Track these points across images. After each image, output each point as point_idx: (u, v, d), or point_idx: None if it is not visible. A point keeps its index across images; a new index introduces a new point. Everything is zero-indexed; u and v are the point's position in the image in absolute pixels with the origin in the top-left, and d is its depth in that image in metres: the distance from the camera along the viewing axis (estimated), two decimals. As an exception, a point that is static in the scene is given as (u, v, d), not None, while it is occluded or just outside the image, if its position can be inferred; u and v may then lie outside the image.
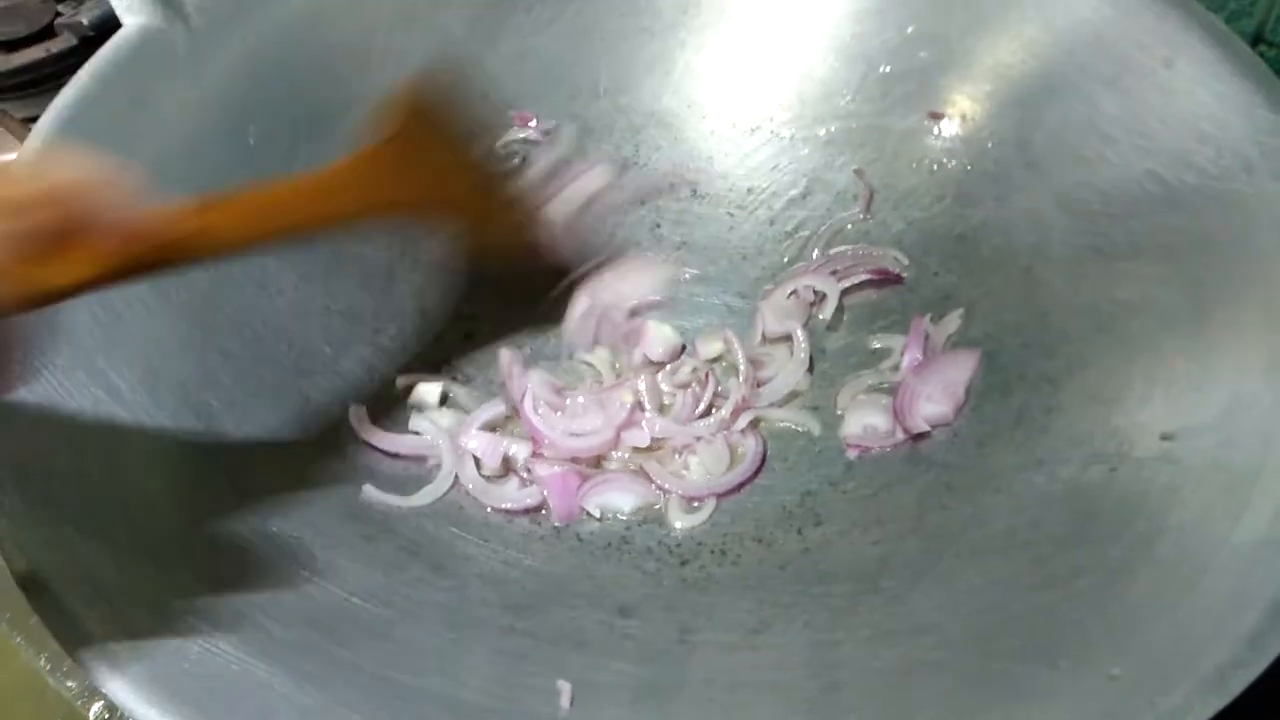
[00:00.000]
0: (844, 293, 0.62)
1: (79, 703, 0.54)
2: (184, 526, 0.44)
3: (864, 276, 0.63)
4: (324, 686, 0.39)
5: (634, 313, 0.63)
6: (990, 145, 0.61)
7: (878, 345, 0.61)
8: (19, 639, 0.56)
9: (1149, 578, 0.42)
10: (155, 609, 0.39)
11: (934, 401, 0.56)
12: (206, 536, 0.44)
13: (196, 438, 0.48)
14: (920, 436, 0.56)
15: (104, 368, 0.47)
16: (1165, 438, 0.47)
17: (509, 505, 0.54)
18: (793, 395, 0.60)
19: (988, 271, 0.59)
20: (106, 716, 0.54)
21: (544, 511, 0.54)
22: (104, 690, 0.36)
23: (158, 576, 0.41)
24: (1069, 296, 0.55)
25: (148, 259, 0.35)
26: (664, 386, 0.60)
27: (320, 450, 0.53)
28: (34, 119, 0.50)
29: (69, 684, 0.55)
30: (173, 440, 0.47)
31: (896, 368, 0.59)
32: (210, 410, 0.49)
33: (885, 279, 0.63)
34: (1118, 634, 0.40)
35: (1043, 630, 0.42)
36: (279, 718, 0.37)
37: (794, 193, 0.67)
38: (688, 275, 0.65)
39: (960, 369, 0.57)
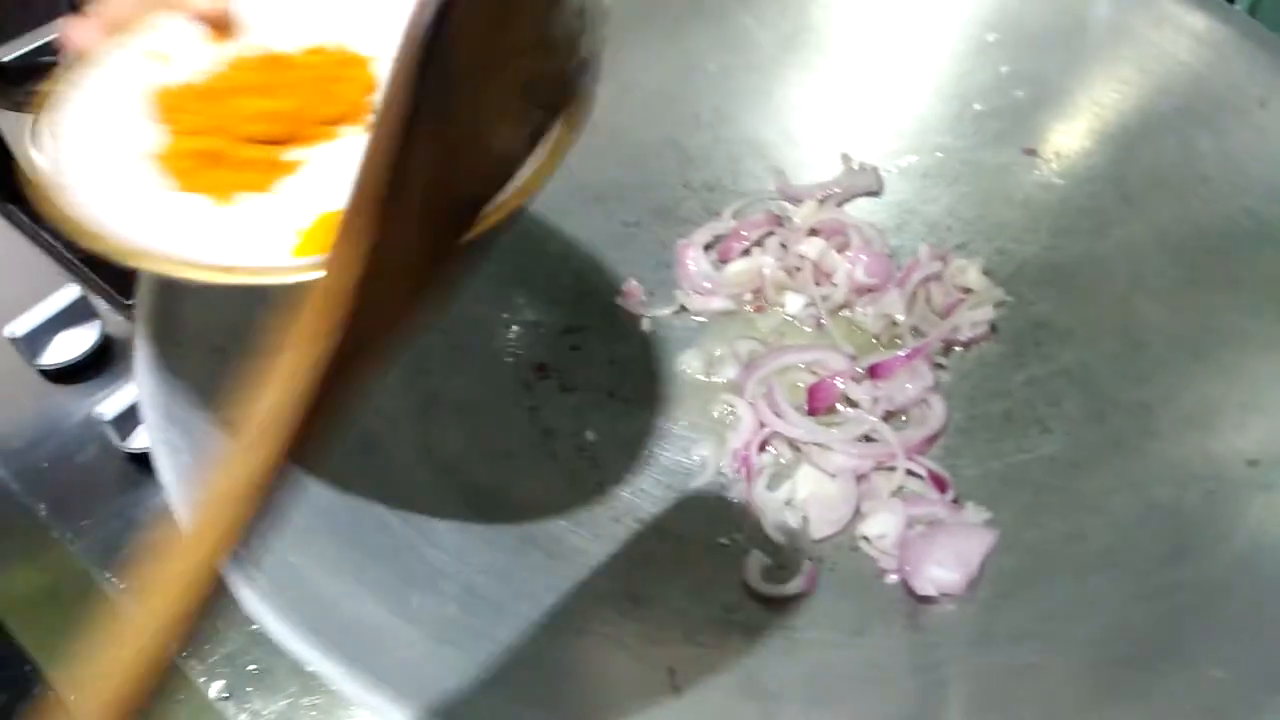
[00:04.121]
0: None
1: (201, 680, 0.57)
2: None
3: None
4: (459, 653, 0.41)
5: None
6: (1085, 181, 0.63)
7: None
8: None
9: (1249, 592, 0.43)
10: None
11: (944, 567, 0.51)
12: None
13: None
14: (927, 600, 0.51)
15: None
16: (1251, 463, 0.48)
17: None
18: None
19: (1084, 301, 0.61)
20: (226, 696, 0.57)
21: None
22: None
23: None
24: (1165, 326, 0.57)
25: None
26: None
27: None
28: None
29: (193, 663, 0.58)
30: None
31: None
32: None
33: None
34: (1221, 642, 0.41)
35: (1145, 638, 0.43)
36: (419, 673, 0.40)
37: (887, 224, 0.69)
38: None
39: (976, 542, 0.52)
